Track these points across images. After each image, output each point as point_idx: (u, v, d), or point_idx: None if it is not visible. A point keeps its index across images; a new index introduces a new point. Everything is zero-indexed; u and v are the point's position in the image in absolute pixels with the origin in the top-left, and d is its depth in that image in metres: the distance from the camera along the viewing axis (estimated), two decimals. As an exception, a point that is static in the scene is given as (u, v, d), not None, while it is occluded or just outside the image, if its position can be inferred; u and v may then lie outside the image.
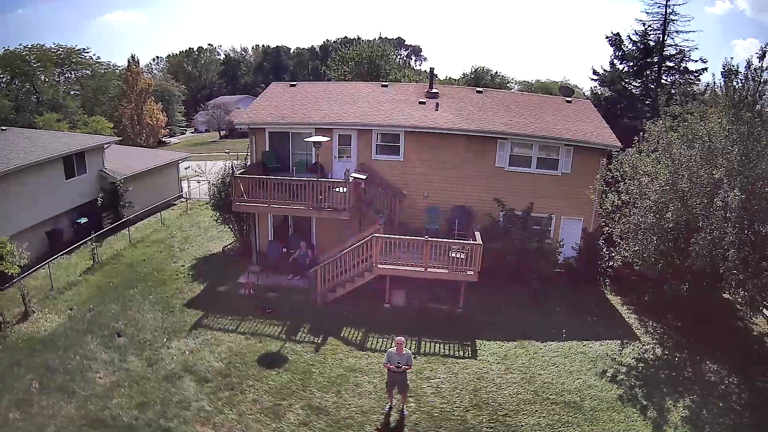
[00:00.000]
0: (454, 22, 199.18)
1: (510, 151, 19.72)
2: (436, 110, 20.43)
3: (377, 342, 15.62)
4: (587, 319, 17.42)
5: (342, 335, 16.07)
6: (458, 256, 16.45)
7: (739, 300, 14.32)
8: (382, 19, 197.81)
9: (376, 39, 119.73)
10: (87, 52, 43.41)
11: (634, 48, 25.13)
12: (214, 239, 24.39)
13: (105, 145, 25.50)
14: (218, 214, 22.32)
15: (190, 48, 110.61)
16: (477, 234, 17.02)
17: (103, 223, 25.00)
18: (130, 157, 28.49)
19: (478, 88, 22.94)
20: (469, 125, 19.30)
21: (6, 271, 16.97)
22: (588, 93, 32.33)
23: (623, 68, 26.10)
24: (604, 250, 19.36)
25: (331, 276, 17.33)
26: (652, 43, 25.48)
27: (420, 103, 21.04)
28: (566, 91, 25.26)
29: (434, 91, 21.98)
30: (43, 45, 43.83)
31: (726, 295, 17.02)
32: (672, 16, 25.95)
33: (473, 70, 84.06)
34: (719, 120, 15.10)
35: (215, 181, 22.36)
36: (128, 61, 45.78)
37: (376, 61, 31.09)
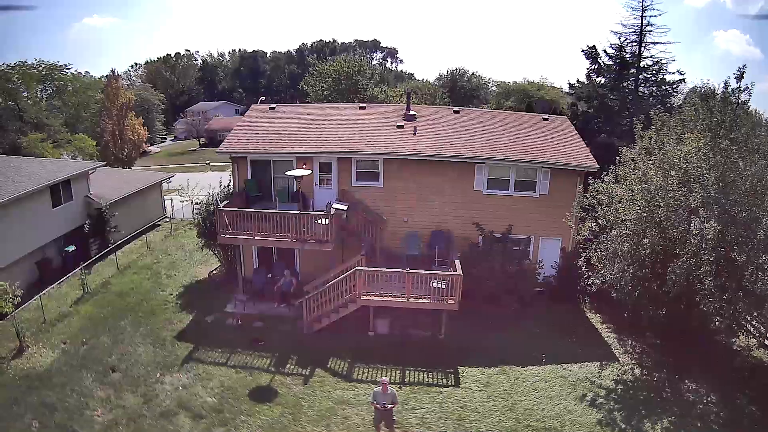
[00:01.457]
0: (430, 23, 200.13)
1: (488, 174, 20.27)
2: (414, 135, 20.87)
3: (364, 372, 16.10)
4: (567, 340, 18.01)
5: (329, 366, 16.53)
6: (439, 286, 16.97)
7: (716, 324, 14.89)
8: (358, 21, 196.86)
9: (353, 42, 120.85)
10: (68, 68, 43.36)
11: (610, 62, 25.80)
12: (199, 263, 24.62)
13: (90, 171, 25.49)
14: (203, 241, 22.52)
15: (167, 54, 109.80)
16: (457, 263, 17.56)
17: (90, 250, 25.09)
18: (113, 179, 28.52)
19: (455, 108, 23.42)
20: (446, 151, 19.80)
21: (1, 310, 17.10)
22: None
23: (600, 81, 26.67)
24: (583, 269, 19.87)
25: (316, 306, 17.74)
26: (628, 56, 26.11)
27: (398, 127, 21.47)
28: (544, 105, 25.91)
29: (412, 113, 22.43)
30: (26, 61, 43.60)
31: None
32: (648, 28, 26.67)
33: (449, 72, 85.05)
34: (696, 143, 15.42)
35: (199, 210, 22.52)
36: (108, 76, 45.62)
37: (353, 77, 31.37)
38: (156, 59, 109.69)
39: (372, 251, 19.82)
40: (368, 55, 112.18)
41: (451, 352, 17.14)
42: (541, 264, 21.02)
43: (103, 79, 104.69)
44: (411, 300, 17.14)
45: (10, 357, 16.99)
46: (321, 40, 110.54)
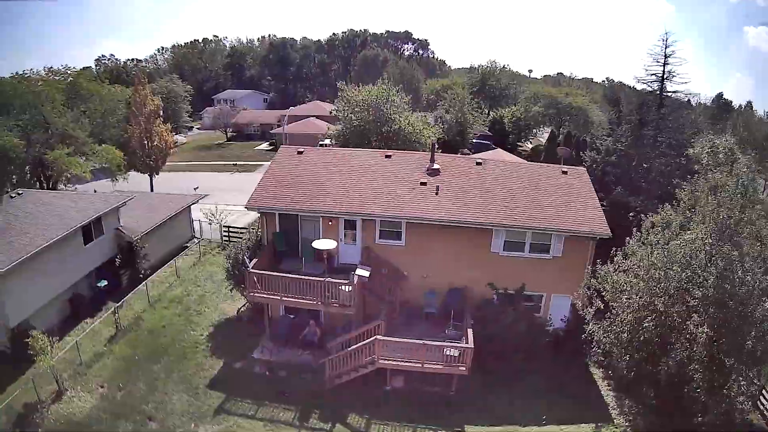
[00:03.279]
0: (462, 13, 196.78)
1: (505, 237, 21.05)
2: (437, 194, 21.63)
3: (380, 431, 17.48)
4: (568, 398, 19.00)
5: (348, 422, 17.88)
6: (452, 353, 18.10)
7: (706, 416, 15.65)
8: (390, 12, 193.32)
9: (384, 33, 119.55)
10: (99, 64, 43.73)
11: (631, 116, 25.96)
12: (227, 298, 25.86)
13: (121, 206, 26.68)
14: (232, 283, 23.76)
15: (195, 40, 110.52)
16: (470, 332, 18.60)
17: (121, 281, 26.57)
18: (142, 205, 29.50)
19: (478, 159, 24.00)
20: (466, 217, 20.57)
21: (41, 363, 18.49)
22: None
23: (622, 129, 26.69)
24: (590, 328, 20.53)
25: (337, 365, 18.98)
26: (648, 115, 26.06)
27: (421, 183, 22.22)
28: (565, 152, 26.30)
29: (435, 167, 23.12)
30: (51, 67, 44.61)
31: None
32: (670, 74, 26.71)
33: (480, 71, 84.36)
34: (702, 240, 16.04)
35: (228, 257, 23.66)
36: (135, 82, 46.56)
37: (382, 108, 32.00)
38: (183, 44, 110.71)
39: (392, 309, 20.92)
40: (400, 46, 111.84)
41: (459, 410, 18.39)
42: (551, 322, 21.99)
43: (132, 66, 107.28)
44: (425, 365, 18.29)
45: (50, 401, 18.55)
46: (352, 30, 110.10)
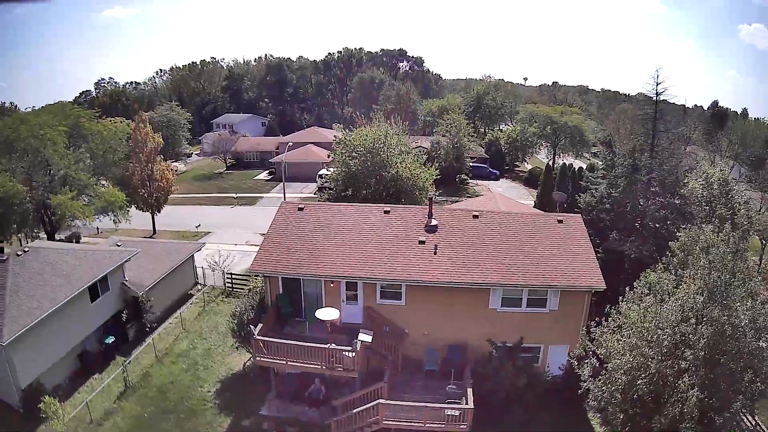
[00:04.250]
0: (456, 24, 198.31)
1: (502, 295, 21.72)
2: (435, 254, 22.31)
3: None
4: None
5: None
6: (452, 413, 18.79)
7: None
8: (384, 31, 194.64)
9: (379, 52, 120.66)
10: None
11: (623, 161, 26.53)
12: (233, 351, 26.42)
13: (126, 261, 27.29)
14: (237, 342, 24.37)
15: (192, 62, 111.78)
16: (469, 392, 19.27)
17: (128, 335, 27.17)
18: (145, 256, 30.01)
19: (474, 212, 24.61)
20: (464, 278, 21.25)
21: (53, 425, 19.11)
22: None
23: (614, 180, 27.04)
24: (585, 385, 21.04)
25: (344, 425, 19.60)
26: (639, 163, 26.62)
27: (420, 242, 22.89)
28: (560, 197, 26.95)
29: (433, 223, 23.79)
30: (55, 102, 45.03)
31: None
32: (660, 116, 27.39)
33: (475, 92, 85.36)
34: (695, 292, 16.71)
35: (233, 317, 24.29)
36: (136, 120, 47.35)
37: (379, 152, 32.76)
38: (182, 66, 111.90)
39: (394, 366, 21.53)
40: (395, 65, 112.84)
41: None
42: (549, 368, 22.72)
43: (131, 89, 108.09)
44: (427, 424, 18.92)
45: (63, 463, 19.18)
46: (347, 48, 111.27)
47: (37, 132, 36.57)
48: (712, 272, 16.51)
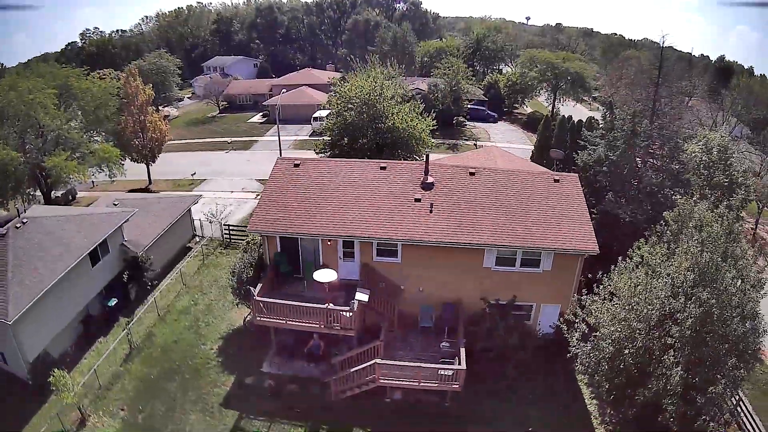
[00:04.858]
0: None
1: (496, 254, 21.94)
2: (431, 213, 22.35)
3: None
4: (553, 408, 20.69)
5: (355, 434, 19.48)
6: (446, 373, 19.47)
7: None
8: None
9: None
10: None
11: (624, 125, 25.95)
12: (233, 306, 26.86)
13: (125, 222, 27.29)
14: (237, 299, 24.82)
15: (179, 8, 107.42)
16: (462, 351, 19.88)
17: (130, 295, 27.58)
18: (143, 213, 29.80)
19: (471, 169, 24.48)
20: (459, 238, 21.38)
21: (64, 398, 19.71)
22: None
23: (613, 142, 26.50)
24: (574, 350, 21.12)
25: (342, 382, 20.35)
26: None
27: (416, 200, 22.86)
28: (557, 154, 26.71)
29: (429, 180, 23.67)
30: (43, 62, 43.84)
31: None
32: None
33: (475, 35, 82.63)
34: (685, 269, 16.95)
35: (233, 270, 24.57)
36: (126, 74, 46.12)
37: (375, 104, 32.16)
38: (167, 12, 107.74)
39: (390, 323, 22.09)
40: (391, 5, 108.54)
41: (453, 421, 20.04)
42: (540, 325, 23.39)
43: (117, 38, 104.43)
44: (421, 383, 19.70)
45: (75, 430, 19.95)
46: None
47: (27, 97, 35.89)
48: (704, 252, 16.72)
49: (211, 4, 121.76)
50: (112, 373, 22.85)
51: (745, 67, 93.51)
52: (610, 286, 18.79)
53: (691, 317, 15.72)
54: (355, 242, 22.36)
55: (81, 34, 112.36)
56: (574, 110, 75.25)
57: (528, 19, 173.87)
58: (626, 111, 25.96)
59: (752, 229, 39.34)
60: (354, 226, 21.92)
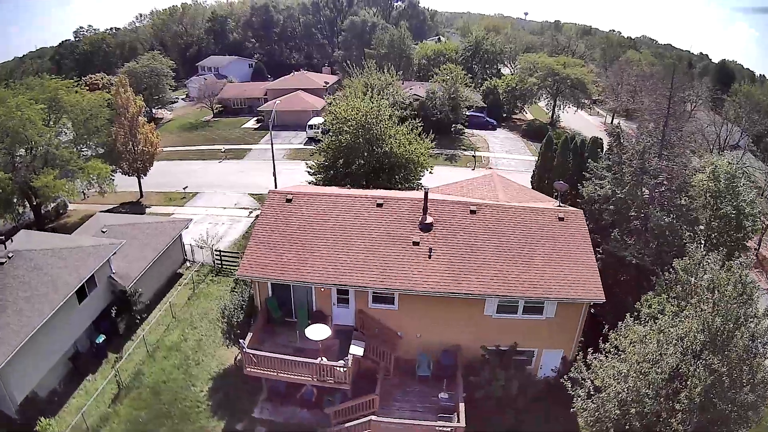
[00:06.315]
0: None
1: (497, 302, 21.11)
2: (429, 258, 21.46)
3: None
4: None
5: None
6: (444, 430, 18.69)
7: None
8: None
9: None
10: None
11: (633, 161, 24.99)
12: (224, 345, 25.97)
13: (112, 255, 26.35)
14: (228, 341, 23.95)
15: (173, 6, 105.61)
16: (461, 406, 19.10)
17: (119, 329, 26.69)
18: (132, 241, 29.01)
19: (472, 207, 23.53)
20: (459, 287, 20.49)
21: None
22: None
23: (620, 178, 25.59)
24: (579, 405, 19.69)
25: (337, 435, 19.64)
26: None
27: (414, 243, 21.96)
28: (561, 186, 25.79)
29: (428, 220, 22.76)
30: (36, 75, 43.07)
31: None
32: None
33: (473, 40, 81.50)
34: (695, 330, 16.20)
35: (222, 314, 23.72)
36: (116, 85, 44.95)
37: (372, 127, 31.15)
38: (162, 10, 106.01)
39: (387, 372, 21.28)
40: (389, 5, 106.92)
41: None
42: (542, 368, 22.68)
43: (111, 35, 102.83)
44: (420, 439, 18.96)
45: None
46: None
47: (15, 113, 34.87)
48: (717, 318, 15.91)
49: (206, 1, 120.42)
50: (100, 415, 22.08)
51: (745, 66, 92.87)
52: (618, 338, 18.10)
53: (700, 383, 15.00)
54: (350, 291, 21.50)
55: (75, 31, 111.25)
56: (575, 117, 74.50)
57: (526, 14, 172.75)
58: (634, 146, 25.01)
59: (755, 249, 38.68)
60: (349, 274, 20.99)
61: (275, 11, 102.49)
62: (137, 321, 27.57)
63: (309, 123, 60.49)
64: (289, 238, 22.39)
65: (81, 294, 24.64)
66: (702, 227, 25.61)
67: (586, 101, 75.04)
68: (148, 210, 43.65)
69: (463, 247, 21.93)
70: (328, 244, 22.10)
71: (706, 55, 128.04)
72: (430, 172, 33.58)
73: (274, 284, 21.94)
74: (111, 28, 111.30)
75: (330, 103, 34.55)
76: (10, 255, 23.73)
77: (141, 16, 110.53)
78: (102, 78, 70.57)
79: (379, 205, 23.79)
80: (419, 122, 34.93)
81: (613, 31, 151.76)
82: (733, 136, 59.75)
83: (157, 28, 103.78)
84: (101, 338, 25.52)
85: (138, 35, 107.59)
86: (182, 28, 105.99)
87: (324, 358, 19.53)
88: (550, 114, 72.52)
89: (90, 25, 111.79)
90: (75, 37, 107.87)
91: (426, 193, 23.46)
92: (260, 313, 22.19)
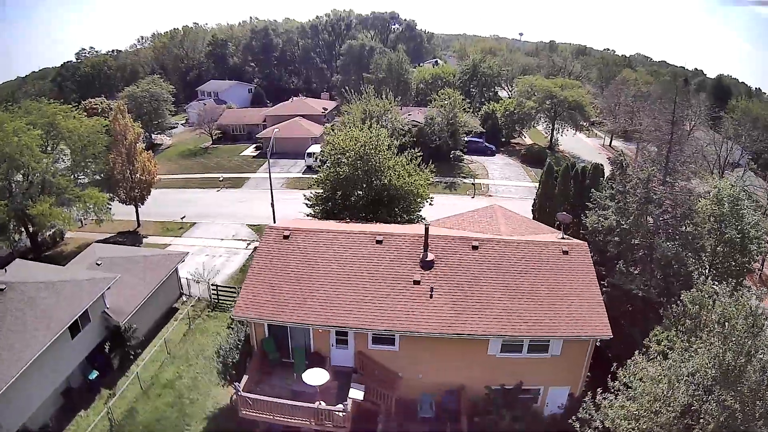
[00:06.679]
0: None
1: (502, 341, 20.50)
2: (431, 297, 20.91)
3: None
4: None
5: None
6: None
7: None
8: None
9: (369, 14, 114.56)
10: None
11: (637, 191, 24.63)
12: (219, 383, 25.26)
13: (107, 289, 25.82)
14: (223, 381, 23.24)
15: (174, 28, 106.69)
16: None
17: (112, 365, 26.05)
18: (127, 275, 28.41)
19: (473, 242, 23.01)
20: (462, 327, 19.91)
21: None
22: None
23: (624, 209, 25.23)
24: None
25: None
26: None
27: (415, 282, 21.41)
28: (564, 218, 25.32)
29: (429, 258, 22.25)
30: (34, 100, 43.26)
31: None
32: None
33: (470, 64, 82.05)
34: (706, 366, 15.71)
35: (219, 354, 23.05)
36: (114, 112, 44.80)
37: (371, 158, 30.77)
38: (163, 33, 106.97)
39: (387, 413, 20.58)
40: (387, 28, 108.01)
41: None
42: (548, 406, 21.93)
43: (112, 58, 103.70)
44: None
45: None
46: (335, 11, 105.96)
47: (13, 139, 34.65)
48: (728, 353, 15.43)
49: (207, 24, 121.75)
50: (91, 459, 21.35)
51: (740, 80, 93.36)
52: (627, 375, 17.51)
53: (713, 420, 14.44)
54: (349, 333, 20.90)
55: (77, 53, 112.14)
56: (574, 139, 74.57)
57: (521, 35, 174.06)
58: (638, 174, 24.64)
59: (759, 269, 38.19)
60: (348, 315, 20.37)
61: (275, 34, 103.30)
62: (131, 356, 26.92)
63: (308, 151, 60.11)
64: (286, 277, 21.84)
65: (74, 329, 24.15)
66: (707, 253, 25.13)
67: (584, 123, 75.24)
68: (145, 240, 43.15)
69: (466, 285, 21.38)
70: (326, 284, 21.53)
71: (701, 70, 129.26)
72: (430, 204, 33.01)
73: (270, 325, 21.33)
74: (113, 51, 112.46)
75: (328, 133, 34.17)
76: (2, 287, 23.33)
77: (143, 38, 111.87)
78: (101, 102, 70.64)
79: (379, 242, 23.26)
80: (418, 151, 34.53)
81: (608, 49, 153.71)
82: (733, 155, 59.54)
83: (158, 51, 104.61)
84: (94, 374, 25.01)
85: (139, 58, 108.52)
86: (183, 51, 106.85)
87: (322, 402, 18.82)
88: (549, 137, 72.52)
89: (92, 47, 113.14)
90: (77, 59, 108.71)
91: (426, 229, 22.97)
92: (256, 354, 21.52)
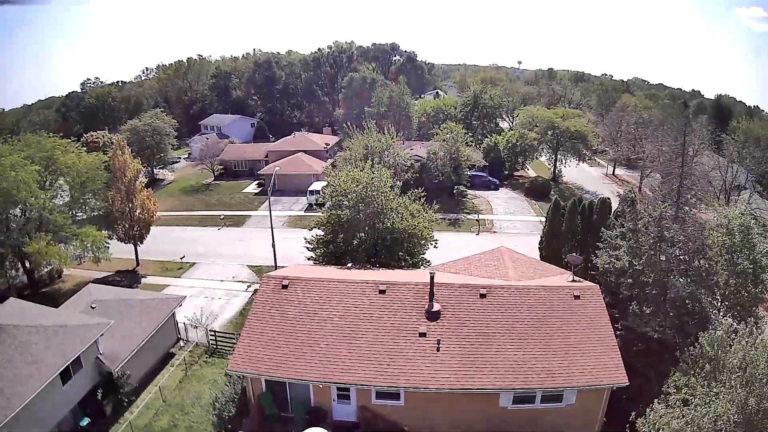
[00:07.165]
0: (449, 12, 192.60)
1: (513, 393, 19.46)
2: (438, 350, 19.91)
3: None
4: None
5: None
6: None
7: None
8: (376, 26, 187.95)
9: (370, 46, 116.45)
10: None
11: (649, 229, 23.90)
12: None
13: (100, 335, 24.92)
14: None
15: (179, 60, 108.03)
16: None
17: (105, 412, 25.00)
18: (122, 320, 27.48)
19: (482, 291, 22.10)
20: (470, 381, 18.91)
21: None
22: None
23: (636, 248, 24.50)
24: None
25: None
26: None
27: (420, 335, 20.44)
28: (575, 259, 24.49)
29: (435, 308, 21.32)
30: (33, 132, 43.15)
31: None
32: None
33: (471, 95, 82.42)
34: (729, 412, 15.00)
35: (214, 404, 22.04)
36: (114, 148, 44.50)
37: (373, 200, 30.09)
38: (168, 65, 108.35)
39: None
40: (388, 60, 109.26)
41: None
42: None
43: (116, 89, 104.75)
44: None
45: None
46: (337, 42, 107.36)
47: (9, 173, 34.23)
48: (750, 398, 14.71)
49: (211, 56, 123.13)
50: None
51: (739, 99, 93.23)
52: (644, 426, 16.98)
53: None
54: (351, 388, 19.86)
55: (81, 84, 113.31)
56: (577, 170, 74.08)
57: (520, 63, 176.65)
58: (650, 212, 23.87)
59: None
60: (350, 370, 19.36)
61: (277, 67, 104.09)
62: (125, 404, 25.81)
63: (310, 188, 59.22)
64: (284, 330, 20.93)
65: (65, 375, 23.31)
66: (720, 288, 24.21)
67: (586, 153, 74.89)
68: (144, 279, 42.24)
69: (474, 336, 20.43)
70: (326, 337, 20.60)
71: (698, 91, 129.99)
72: (435, 247, 32.16)
73: (268, 379, 20.31)
74: (117, 81, 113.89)
75: (328, 174, 33.61)
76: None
77: (147, 69, 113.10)
78: (103, 136, 70.77)
79: (382, 292, 22.35)
80: (422, 191, 33.89)
81: (606, 74, 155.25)
82: (737, 178, 58.75)
83: (162, 83, 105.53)
84: (85, 421, 24.09)
85: (144, 89, 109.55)
86: (187, 83, 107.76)
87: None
88: (552, 169, 72.08)
89: (96, 78, 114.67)
90: (82, 89, 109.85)
91: (432, 277, 22.06)
92: (253, 409, 20.46)
